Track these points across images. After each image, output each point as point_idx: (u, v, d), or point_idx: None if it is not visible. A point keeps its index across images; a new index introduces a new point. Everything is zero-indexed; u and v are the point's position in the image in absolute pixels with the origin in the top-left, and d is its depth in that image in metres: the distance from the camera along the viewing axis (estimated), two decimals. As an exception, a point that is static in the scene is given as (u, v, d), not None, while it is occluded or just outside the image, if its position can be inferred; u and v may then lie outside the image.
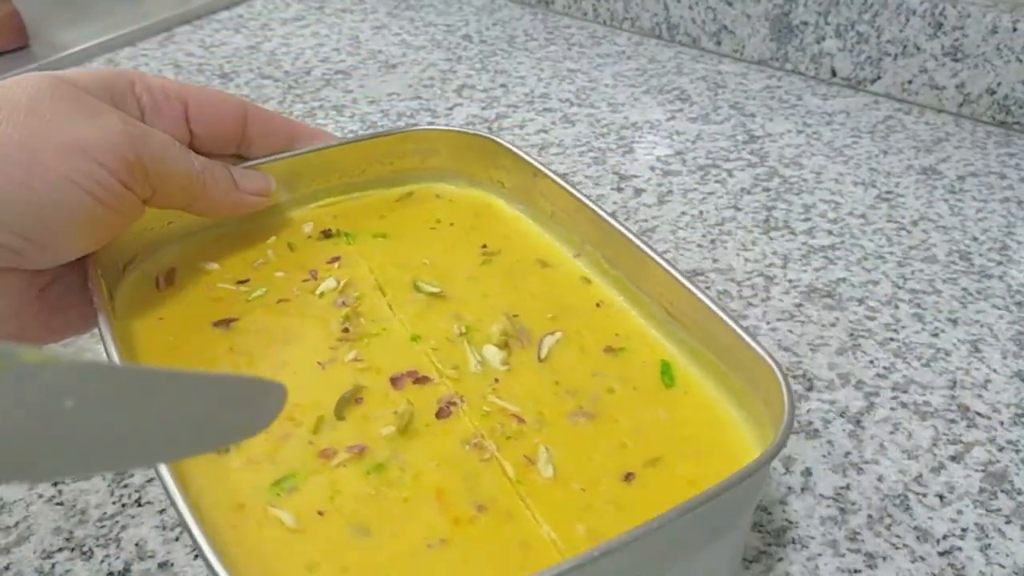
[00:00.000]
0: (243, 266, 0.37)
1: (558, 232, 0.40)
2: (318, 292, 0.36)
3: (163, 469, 0.25)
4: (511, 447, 0.30)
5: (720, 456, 0.30)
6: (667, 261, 0.35)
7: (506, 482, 0.29)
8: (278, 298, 0.36)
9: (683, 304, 0.34)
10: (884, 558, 0.33)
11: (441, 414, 0.31)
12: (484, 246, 0.40)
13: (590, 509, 0.28)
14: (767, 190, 0.56)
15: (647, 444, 0.31)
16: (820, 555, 0.33)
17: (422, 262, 0.39)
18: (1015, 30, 0.61)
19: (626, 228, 0.36)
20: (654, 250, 0.35)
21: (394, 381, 0.32)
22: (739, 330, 0.31)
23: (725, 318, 0.31)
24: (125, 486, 0.35)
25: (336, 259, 0.38)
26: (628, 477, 0.29)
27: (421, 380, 0.33)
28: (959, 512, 0.35)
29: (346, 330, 0.35)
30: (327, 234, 0.40)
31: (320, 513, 0.28)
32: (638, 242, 0.36)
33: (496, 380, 0.33)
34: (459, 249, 0.40)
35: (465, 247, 0.40)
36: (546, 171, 0.39)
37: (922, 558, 0.33)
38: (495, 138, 0.41)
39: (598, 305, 0.37)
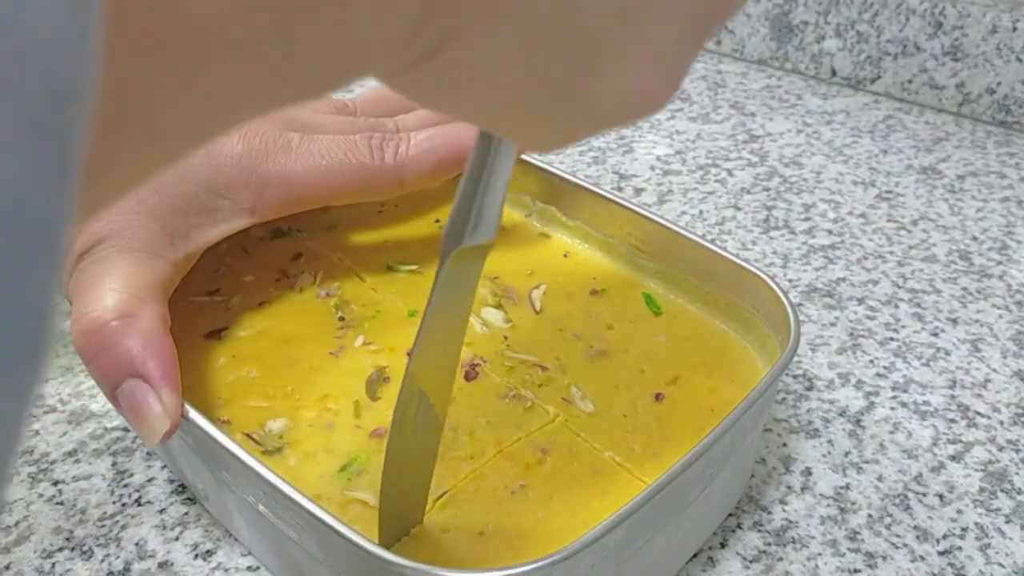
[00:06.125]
0: (205, 277, 0.36)
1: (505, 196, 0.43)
2: (298, 288, 0.36)
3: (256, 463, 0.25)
4: (545, 393, 0.32)
5: (727, 364, 0.34)
6: (635, 203, 0.38)
7: (557, 423, 0.31)
8: (258, 301, 0.36)
9: (656, 240, 0.37)
10: (884, 558, 0.33)
11: (469, 376, 0.33)
12: (437, 221, 0.41)
13: (637, 430, 0.31)
14: (767, 190, 0.56)
15: (662, 366, 0.34)
16: (820, 555, 0.33)
17: (383, 245, 0.40)
18: (1015, 30, 0.61)
19: (580, 179, 0.40)
20: (617, 194, 0.39)
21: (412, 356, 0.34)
22: (726, 253, 0.35)
23: (712, 247, 0.35)
24: (125, 486, 0.35)
25: (299, 255, 0.38)
26: (658, 397, 0.33)
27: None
28: (959, 512, 0.35)
29: (342, 318, 0.35)
30: (278, 233, 0.40)
31: None
32: (599, 190, 0.39)
33: (505, 338, 0.35)
34: (414, 227, 0.41)
35: (419, 225, 0.41)
36: None
37: (922, 558, 0.33)
38: None
39: (565, 255, 0.40)
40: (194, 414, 0.27)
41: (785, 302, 0.32)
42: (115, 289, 0.28)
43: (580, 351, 0.34)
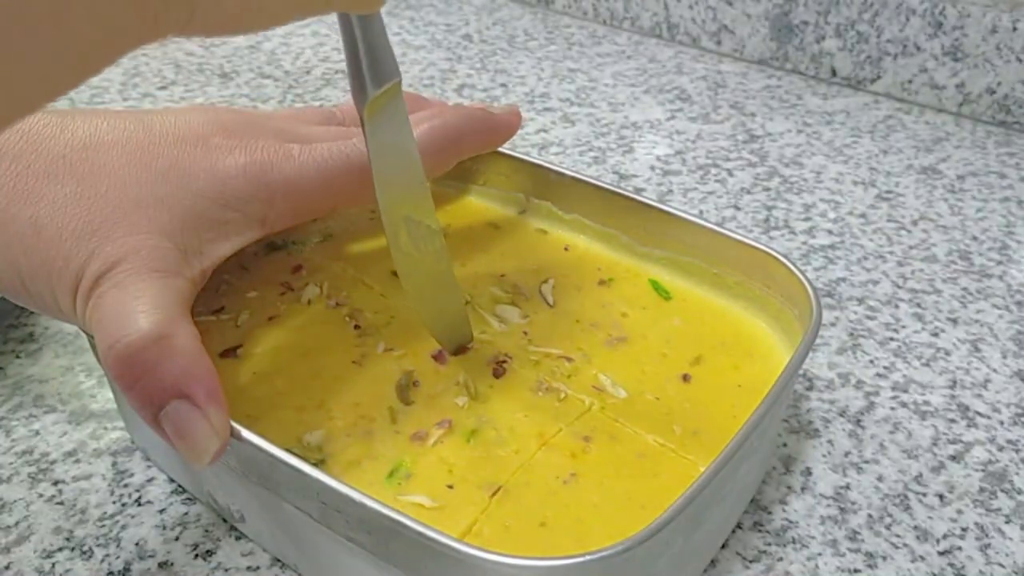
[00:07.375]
0: (207, 296, 0.35)
1: (495, 196, 0.42)
2: (305, 301, 0.36)
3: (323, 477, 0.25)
4: (575, 383, 0.33)
5: (744, 341, 0.35)
6: (631, 191, 0.38)
7: (594, 411, 0.32)
8: (267, 316, 0.35)
9: (657, 226, 0.38)
10: (884, 558, 0.33)
11: (497, 373, 0.33)
12: None
13: (672, 411, 0.32)
14: (767, 190, 0.56)
15: (683, 348, 0.35)
16: (820, 555, 0.33)
17: (383, 250, 0.39)
18: (1015, 30, 0.61)
19: (572, 171, 0.40)
20: (611, 184, 0.39)
21: (436, 358, 0.34)
22: (730, 233, 0.36)
23: (715, 228, 0.36)
24: (125, 486, 0.35)
25: (299, 268, 0.38)
26: (685, 378, 0.33)
27: (460, 351, 0.34)
28: (959, 512, 0.35)
29: (357, 327, 0.35)
30: (273, 246, 0.39)
31: (450, 487, 0.29)
32: (593, 181, 0.39)
33: (525, 333, 0.35)
34: None
35: None
36: None
37: (922, 558, 0.33)
38: None
39: (566, 249, 0.40)
40: (244, 432, 0.26)
41: (795, 271, 0.33)
42: (145, 311, 0.27)
43: (600, 340, 0.35)
